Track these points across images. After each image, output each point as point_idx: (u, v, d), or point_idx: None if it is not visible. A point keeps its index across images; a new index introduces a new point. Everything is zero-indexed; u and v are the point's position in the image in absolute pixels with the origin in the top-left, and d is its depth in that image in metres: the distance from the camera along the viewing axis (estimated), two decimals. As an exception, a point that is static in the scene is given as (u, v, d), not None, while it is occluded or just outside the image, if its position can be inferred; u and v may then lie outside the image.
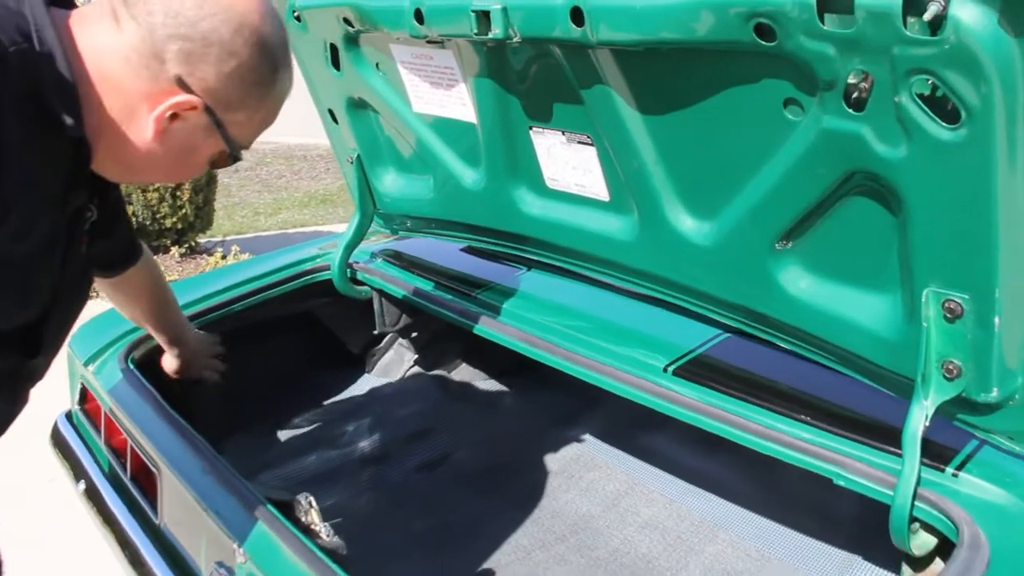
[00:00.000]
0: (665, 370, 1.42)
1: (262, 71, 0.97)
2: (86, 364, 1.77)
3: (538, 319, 1.66)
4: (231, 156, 1.04)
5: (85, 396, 1.85)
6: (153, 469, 1.51)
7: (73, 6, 0.99)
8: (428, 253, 2.05)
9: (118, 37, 0.92)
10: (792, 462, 1.25)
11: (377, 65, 1.68)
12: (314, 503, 1.29)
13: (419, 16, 1.38)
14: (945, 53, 0.84)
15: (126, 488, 1.64)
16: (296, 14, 1.69)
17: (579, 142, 1.41)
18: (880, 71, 0.92)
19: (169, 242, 4.74)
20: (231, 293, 1.96)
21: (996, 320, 0.98)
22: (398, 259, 2.03)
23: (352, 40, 1.65)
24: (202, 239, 5.12)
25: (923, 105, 0.91)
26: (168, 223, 4.61)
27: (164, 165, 1.03)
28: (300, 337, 2.21)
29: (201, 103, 0.95)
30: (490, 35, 1.27)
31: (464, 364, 2.33)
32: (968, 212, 0.93)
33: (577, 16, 1.14)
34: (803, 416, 1.27)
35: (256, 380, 1.98)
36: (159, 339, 1.69)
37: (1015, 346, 1.00)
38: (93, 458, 1.78)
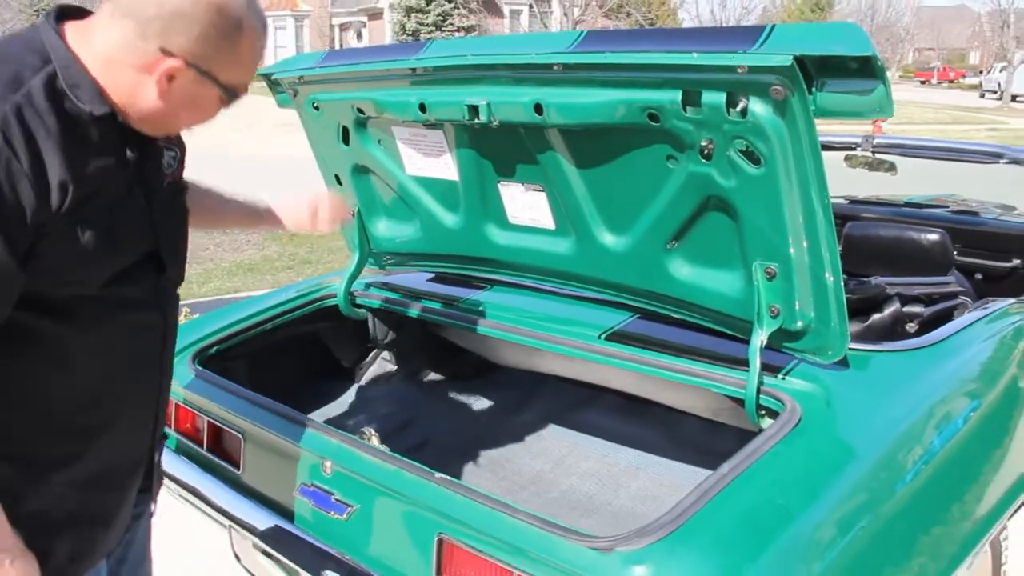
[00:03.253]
0: (599, 337, 2.09)
1: (226, 27, 1.20)
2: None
3: (503, 315, 2.31)
4: (230, 96, 1.28)
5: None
6: (237, 434, 2.06)
7: (80, 13, 1.26)
8: (409, 282, 2.68)
9: (114, 31, 1.19)
10: (688, 382, 1.93)
11: (379, 141, 2.32)
12: (375, 433, 1.88)
13: (422, 107, 2.03)
14: (749, 127, 1.56)
15: (202, 458, 2.17)
16: (315, 105, 2.33)
17: (534, 190, 2.09)
18: (718, 138, 1.63)
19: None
20: (258, 317, 2.53)
21: (793, 278, 1.69)
22: (387, 286, 2.65)
23: (361, 123, 2.29)
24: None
25: (742, 156, 1.62)
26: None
27: (181, 115, 1.28)
28: (304, 354, 2.77)
29: (183, 63, 1.19)
30: (476, 121, 1.93)
31: (434, 372, 2.94)
32: (771, 214, 1.64)
33: (538, 109, 1.81)
34: (692, 356, 1.95)
35: (268, 389, 2.52)
36: (253, 221, 1.94)
37: (805, 294, 1.70)
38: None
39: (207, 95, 1.26)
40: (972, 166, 3.38)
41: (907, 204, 3.92)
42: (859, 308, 1.97)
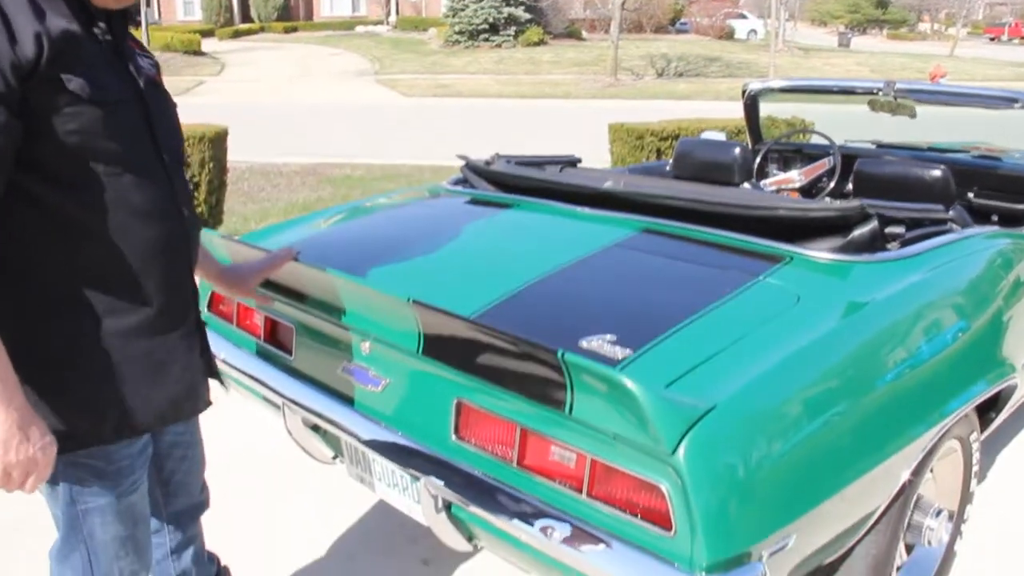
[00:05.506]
0: None
1: None
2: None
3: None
4: None
5: (214, 299, 2.70)
6: (290, 325, 2.37)
7: None
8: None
9: None
10: None
11: None
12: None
13: None
14: None
15: (262, 349, 2.49)
16: None
17: None
18: None
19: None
20: (308, 233, 2.83)
21: None
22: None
23: None
24: (214, 234, 5.95)
25: None
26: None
27: None
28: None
29: None
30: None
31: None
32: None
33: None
34: None
35: None
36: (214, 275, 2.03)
37: None
38: (227, 341, 2.61)
39: None
40: None
41: (931, 149, 4.07)
42: (839, 224, 2.19)
